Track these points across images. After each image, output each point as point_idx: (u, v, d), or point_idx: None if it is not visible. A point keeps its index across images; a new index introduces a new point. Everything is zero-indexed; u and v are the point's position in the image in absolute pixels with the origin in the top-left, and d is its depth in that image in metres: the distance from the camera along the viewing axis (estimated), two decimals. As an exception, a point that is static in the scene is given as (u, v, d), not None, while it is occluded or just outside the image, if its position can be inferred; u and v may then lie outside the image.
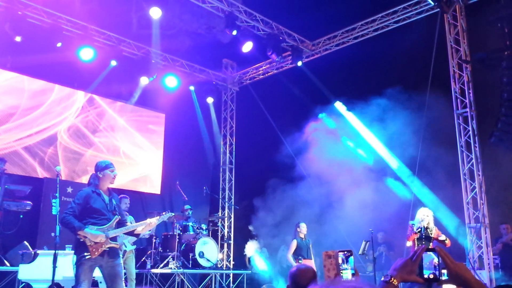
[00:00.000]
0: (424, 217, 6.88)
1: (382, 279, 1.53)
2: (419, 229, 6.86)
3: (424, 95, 8.42)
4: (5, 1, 8.56)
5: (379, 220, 9.40)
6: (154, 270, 8.60)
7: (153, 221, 5.01)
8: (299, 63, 10.66)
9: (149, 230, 7.32)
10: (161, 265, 8.73)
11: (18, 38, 8.65)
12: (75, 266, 4.56)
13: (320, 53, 11.07)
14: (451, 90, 8.59)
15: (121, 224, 4.86)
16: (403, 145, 9.09)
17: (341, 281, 1.25)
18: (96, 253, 4.52)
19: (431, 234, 6.86)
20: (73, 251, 6.03)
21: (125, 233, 4.97)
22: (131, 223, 6.38)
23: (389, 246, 10.23)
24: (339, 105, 10.54)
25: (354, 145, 10.39)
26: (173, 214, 5.62)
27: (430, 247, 6.94)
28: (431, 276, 1.55)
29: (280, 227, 10.29)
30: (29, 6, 8.89)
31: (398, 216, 8.98)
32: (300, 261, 8.01)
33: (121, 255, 5.65)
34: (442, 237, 6.89)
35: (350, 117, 10.32)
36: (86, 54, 9.39)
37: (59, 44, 9.10)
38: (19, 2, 8.73)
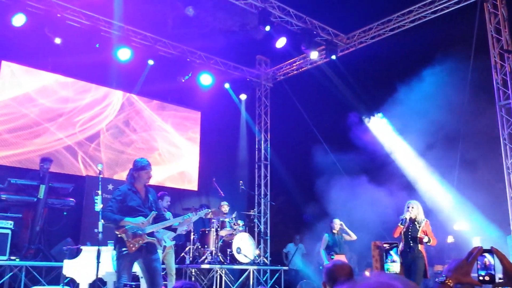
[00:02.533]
0: (408, 209, 6.57)
1: (437, 279, 1.50)
2: (401, 221, 6.55)
3: (464, 86, 8.19)
4: (44, 4, 8.84)
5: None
6: (193, 266, 8.74)
7: (191, 217, 5.10)
8: (333, 57, 10.53)
9: (186, 226, 7.46)
10: (200, 261, 8.85)
11: (57, 40, 8.92)
12: (115, 261, 4.70)
13: (355, 47, 10.90)
14: (492, 81, 8.31)
15: (158, 219, 4.96)
16: (442, 139, 8.87)
17: (372, 277, 1.23)
18: (133, 248, 4.64)
19: (419, 227, 6.51)
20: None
21: (164, 228, 5.07)
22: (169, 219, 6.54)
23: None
24: (375, 100, 10.37)
25: (392, 141, 10.20)
26: (209, 210, 5.68)
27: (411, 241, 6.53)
28: (487, 278, 1.50)
29: (317, 223, 10.24)
30: (68, 8, 9.14)
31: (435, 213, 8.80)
32: (332, 257, 7.98)
33: (160, 251, 5.77)
34: (425, 239, 6.45)
35: (387, 112, 10.14)
36: (124, 54, 9.58)
37: (97, 45, 9.32)
38: (58, 5, 8.99)
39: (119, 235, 4.69)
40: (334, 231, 8.31)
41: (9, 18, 8.35)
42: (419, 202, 6.81)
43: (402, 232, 6.52)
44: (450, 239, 10.37)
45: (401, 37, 10.12)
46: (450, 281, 1.46)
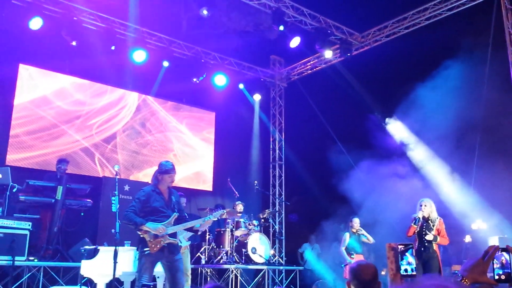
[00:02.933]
0: (421, 208, 6.43)
1: (453, 279, 1.48)
2: (414, 220, 6.40)
3: (481, 85, 8.07)
4: (61, 7, 8.95)
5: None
6: (209, 266, 8.77)
7: (211, 219, 5.17)
8: (347, 56, 10.48)
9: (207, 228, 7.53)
10: (215, 261, 8.88)
11: (74, 43, 9.03)
12: (138, 260, 4.77)
13: (369, 45, 10.83)
14: (510, 78, 8.17)
15: (180, 220, 5.03)
16: (459, 137, 8.75)
17: (425, 279, 1.22)
18: (155, 248, 4.71)
19: (433, 226, 6.38)
20: (132, 247, 6.29)
21: (187, 230, 5.13)
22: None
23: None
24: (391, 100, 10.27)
25: (407, 140, 10.11)
26: (224, 211, 5.74)
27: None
28: (503, 277, 1.48)
29: (331, 223, 10.20)
30: (84, 11, 9.24)
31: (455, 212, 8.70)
32: (352, 256, 7.93)
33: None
34: (428, 236, 6.31)
35: (403, 110, 10.03)
36: (139, 56, 9.66)
37: (113, 47, 9.41)
38: (74, 8, 9.10)
39: (141, 236, 4.75)
40: (353, 230, 8.25)
41: (26, 21, 8.49)
42: (433, 201, 6.72)
43: (416, 231, 6.42)
44: (467, 239, 10.24)
45: (417, 35, 10.02)
46: (466, 280, 1.45)
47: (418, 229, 6.40)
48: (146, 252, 4.72)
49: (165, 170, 5.03)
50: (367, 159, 9.51)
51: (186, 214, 5.36)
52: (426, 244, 6.35)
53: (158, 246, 4.73)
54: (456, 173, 9.04)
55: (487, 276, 1.47)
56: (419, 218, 6.40)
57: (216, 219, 5.31)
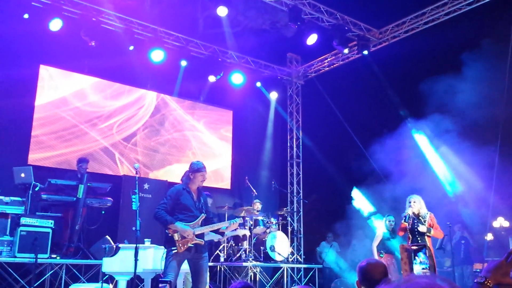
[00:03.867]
0: (410, 204, 6.36)
1: (476, 280, 1.47)
2: (404, 217, 6.36)
3: (502, 80, 7.93)
4: (80, 8, 9.07)
5: (456, 214, 9.02)
6: (227, 263, 8.81)
7: (237, 222, 5.32)
8: (365, 52, 10.39)
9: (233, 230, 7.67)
10: (234, 259, 8.91)
11: (93, 43, 9.14)
12: (165, 258, 4.85)
13: (388, 41, 10.72)
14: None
15: (207, 221, 5.09)
16: (480, 134, 8.61)
17: (415, 277, 1.20)
18: (182, 248, 4.78)
19: (424, 222, 6.29)
20: (152, 245, 6.35)
21: (213, 232, 5.19)
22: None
23: (467, 240, 9.78)
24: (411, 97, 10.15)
25: (427, 137, 9.98)
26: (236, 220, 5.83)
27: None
28: None
29: (351, 222, 10.14)
30: (102, 12, 9.34)
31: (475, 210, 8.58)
32: (381, 255, 7.84)
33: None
34: (422, 228, 6.20)
35: (422, 107, 9.91)
36: (157, 55, 9.73)
37: (131, 47, 9.50)
38: (93, 9, 9.21)
39: (169, 235, 4.83)
40: (390, 229, 8.13)
41: (46, 23, 8.61)
42: (453, 197, 6.65)
43: (408, 229, 6.37)
44: (489, 237, 10.10)
45: (436, 30, 9.89)
46: (489, 282, 1.44)
47: (409, 226, 6.34)
48: (174, 251, 4.79)
49: (197, 168, 5.11)
50: (386, 157, 9.43)
51: (212, 217, 5.42)
52: (420, 240, 6.27)
53: (185, 246, 4.80)
54: (478, 169, 8.90)
55: (510, 277, 1.45)
56: (408, 215, 6.34)
57: (241, 221, 5.40)
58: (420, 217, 6.35)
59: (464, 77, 8.65)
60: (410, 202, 6.42)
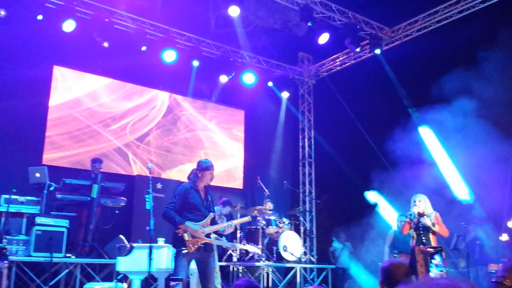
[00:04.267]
0: (414, 203, 6.21)
1: (493, 279, 1.44)
2: (409, 217, 6.20)
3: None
4: (93, 9, 9.13)
5: (470, 214, 8.93)
6: (240, 263, 8.80)
7: (232, 225, 5.35)
8: (377, 51, 10.33)
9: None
10: (247, 259, 8.89)
11: (105, 44, 9.21)
12: (174, 258, 4.83)
13: (400, 40, 10.65)
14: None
15: (214, 221, 5.08)
16: (495, 134, 8.51)
17: (434, 278, 1.19)
18: (192, 248, 4.76)
19: (430, 220, 6.15)
20: (166, 244, 6.36)
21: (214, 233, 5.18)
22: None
23: (482, 240, 9.66)
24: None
25: (441, 137, 9.89)
26: (249, 218, 5.88)
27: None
28: None
29: (363, 221, 10.09)
30: (115, 13, 9.40)
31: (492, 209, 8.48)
32: (395, 255, 7.77)
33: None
34: (426, 221, 6.07)
35: (435, 107, 9.82)
36: (169, 56, 9.76)
37: (143, 48, 9.54)
38: (106, 9, 9.26)
39: (179, 234, 4.81)
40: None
41: (59, 24, 8.68)
42: (469, 198, 6.54)
43: (412, 227, 6.24)
44: (504, 237, 9.97)
45: (449, 28, 9.80)
46: (507, 281, 1.42)
47: (414, 225, 6.22)
48: (184, 251, 4.77)
49: (206, 166, 5.08)
50: (399, 156, 9.36)
51: (215, 217, 5.41)
52: (424, 240, 6.15)
53: (196, 245, 4.79)
54: (493, 169, 8.80)
55: None
56: (413, 213, 6.20)
57: (237, 223, 5.41)
58: (425, 215, 6.23)
59: (477, 75, 8.56)
60: (415, 201, 6.29)
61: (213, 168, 5.14)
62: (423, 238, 6.18)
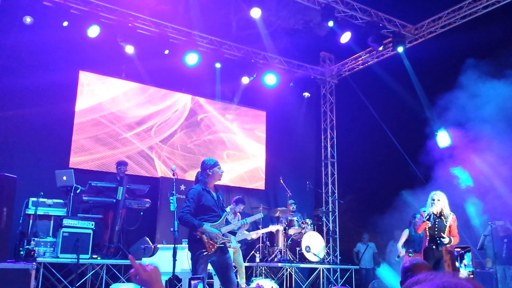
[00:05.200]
0: (433, 202, 5.88)
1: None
2: (427, 217, 5.86)
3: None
4: (116, 15, 9.29)
5: (499, 212, 8.72)
6: (263, 264, 8.83)
7: (247, 223, 5.37)
8: (400, 49, 10.20)
9: (247, 232, 7.78)
10: (270, 259, 8.92)
11: (129, 49, 9.37)
12: (192, 261, 4.83)
13: (424, 37, 10.48)
14: None
15: (227, 221, 5.12)
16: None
17: (440, 276, 1.18)
18: (212, 249, 4.77)
19: (446, 222, 5.87)
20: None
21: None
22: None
23: (510, 238, 9.43)
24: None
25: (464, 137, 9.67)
26: (262, 215, 5.90)
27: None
28: None
29: (387, 221, 9.97)
30: (138, 18, 9.55)
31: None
32: (410, 255, 7.69)
33: (231, 250, 5.97)
34: (446, 240, 5.77)
35: (461, 106, 9.63)
36: (191, 59, 9.86)
37: (166, 52, 9.67)
38: (129, 14, 9.42)
39: (198, 236, 4.81)
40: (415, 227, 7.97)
41: (84, 30, 8.87)
42: (488, 200, 6.34)
43: (427, 227, 5.94)
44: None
45: (474, 25, 9.59)
46: None
47: (430, 225, 5.93)
48: (204, 253, 4.77)
49: (213, 163, 5.03)
50: (424, 155, 9.22)
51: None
52: (439, 241, 5.92)
53: (215, 246, 4.81)
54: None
55: None
56: (433, 214, 5.91)
57: (250, 220, 5.46)
58: (442, 217, 5.96)
59: (504, 72, 8.36)
60: (433, 200, 5.97)
61: (219, 163, 5.08)
62: (438, 239, 5.95)
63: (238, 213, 7.83)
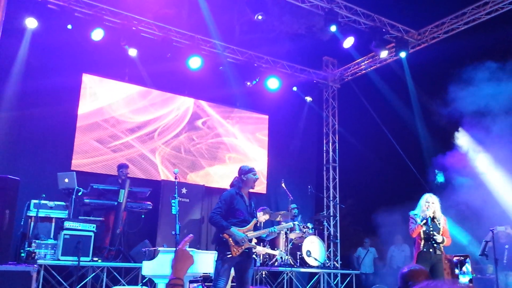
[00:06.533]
0: (428, 204, 5.81)
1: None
2: (424, 220, 5.78)
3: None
4: (120, 18, 9.34)
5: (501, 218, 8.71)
6: (263, 268, 8.82)
7: (276, 231, 5.46)
8: (402, 54, 10.22)
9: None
10: (270, 263, 8.91)
11: (133, 52, 9.41)
12: (216, 262, 4.96)
13: (427, 42, 10.48)
14: None
15: (256, 227, 5.18)
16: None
17: (445, 284, 1.19)
18: (237, 252, 4.88)
19: (439, 224, 5.82)
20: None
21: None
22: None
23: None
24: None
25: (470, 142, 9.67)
26: (292, 225, 5.95)
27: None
28: None
29: (388, 226, 9.96)
30: (142, 21, 9.59)
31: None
32: None
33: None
34: (439, 238, 5.75)
35: (465, 112, 9.61)
36: (194, 62, 9.90)
37: (169, 55, 9.70)
38: (133, 18, 9.47)
39: (224, 239, 4.91)
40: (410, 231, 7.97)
41: (88, 33, 8.92)
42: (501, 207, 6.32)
43: (422, 231, 5.87)
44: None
45: (477, 30, 9.59)
46: None
47: (424, 228, 5.86)
48: (229, 256, 4.86)
49: (249, 169, 5.23)
50: (425, 161, 9.22)
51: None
52: (435, 245, 5.85)
53: (240, 251, 4.89)
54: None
55: None
56: (429, 217, 5.84)
57: (278, 230, 5.55)
58: (435, 220, 5.91)
59: (508, 77, 8.35)
60: (428, 202, 5.90)
61: (255, 170, 5.27)
62: (433, 242, 5.87)
63: (261, 223, 7.88)
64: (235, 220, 4.98)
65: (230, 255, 4.84)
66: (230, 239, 4.84)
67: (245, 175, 5.17)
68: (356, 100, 11.57)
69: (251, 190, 5.33)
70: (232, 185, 5.30)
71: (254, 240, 5.14)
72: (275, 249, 9.10)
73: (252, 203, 5.23)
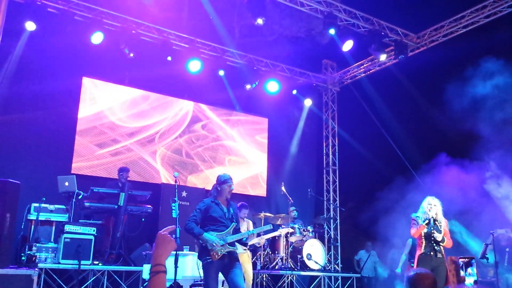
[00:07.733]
0: (430, 206, 5.82)
1: None
2: (427, 221, 5.77)
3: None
4: (120, 21, 9.36)
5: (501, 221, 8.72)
6: (264, 271, 8.80)
7: (254, 233, 5.61)
8: (401, 58, 10.25)
9: (258, 240, 7.77)
10: (271, 266, 8.90)
11: (132, 55, 9.40)
12: (202, 268, 5.02)
13: (426, 46, 10.53)
14: None
15: (237, 231, 5.22)
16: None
17: None
18: (216, 256, 4.93)
19: (440, 226, 5.81)
20: (191, 252, 6.45)
21: (237, 241, 5.31)
22: (247, 228, 7.02)
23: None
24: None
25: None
26: (271, 226, 6.00)
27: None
28: None
29: (389, 229, 9.95)
30: (142, 25, 9.61)
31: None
32: (412, 264, 7.69)
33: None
34: (438, 236, 5.72)
35: (464, 115, 9.62)
36: (194, 66, 9.92)
37: (169, 58, 9.71)
38: (133, 21, 9.48)
39: (203, 244, 5.02)
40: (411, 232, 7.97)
41: (88, 36, 8.93)
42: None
43: (423, 232, 5.85)
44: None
45: (476, 34, 9.63)
46: None
47: (426, 230, 5.83)
48: (209, 260, 4.94)
49: (224, 180, 5.30)
50: (425, 163, 9.22)
51: (239, 227, 5.52)
52: (436, 248, 5.82)
53: (219, 254, 4.96)
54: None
55: None
56: (433, 218, 5.82)
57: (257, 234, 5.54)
58: (436, 222, 5.88)
59: (506, 81, 8.38)
60: (430, 204, 5.89)
61: (231, 181, 5.33)
62: (435, 245, 5.85)
63: (246, 219, 7.81)
64: (213, 226, 5.10)
65: (210, 259, 4.94)
66: (208, 243, 4.94)
67: (220, 185, 5.28)
68: (355, 103, 11.59)
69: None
70: (210, 193, 5.43)
71: (254, 241, 5.15)
72: (275, 252, 9.10)
73: (231, 209, 5.31)
